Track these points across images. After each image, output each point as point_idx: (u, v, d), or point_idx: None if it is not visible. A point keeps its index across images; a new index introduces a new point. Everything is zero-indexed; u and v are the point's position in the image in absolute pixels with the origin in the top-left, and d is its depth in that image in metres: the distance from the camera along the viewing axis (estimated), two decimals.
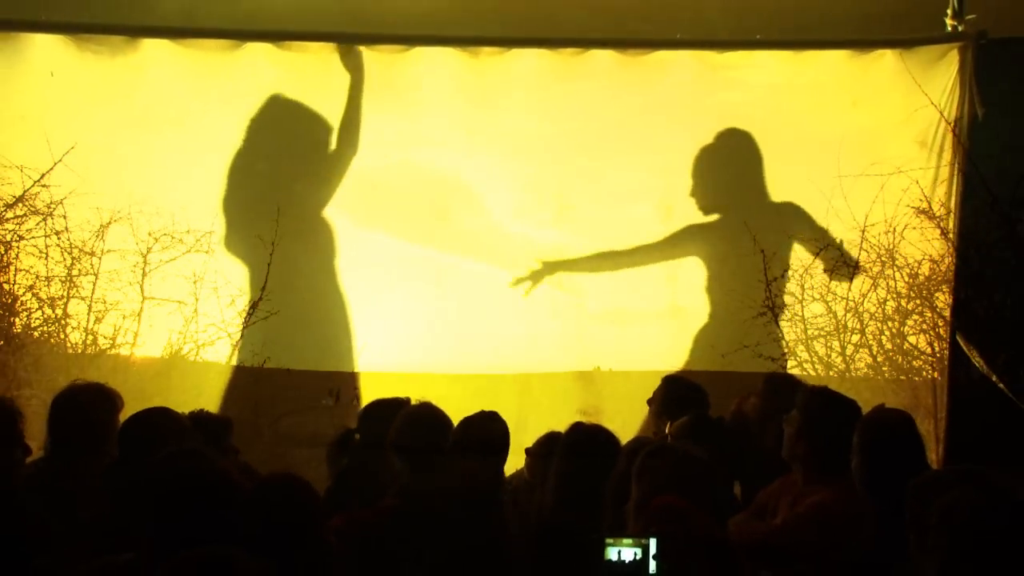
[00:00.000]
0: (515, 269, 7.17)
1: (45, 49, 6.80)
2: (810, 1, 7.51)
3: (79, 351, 7.58)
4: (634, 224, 7.20)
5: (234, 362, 7.50)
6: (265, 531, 3.75)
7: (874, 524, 4.45)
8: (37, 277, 7.54)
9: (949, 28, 6.58)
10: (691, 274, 7.46)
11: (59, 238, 7.49)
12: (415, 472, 4.92)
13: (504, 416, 5.15)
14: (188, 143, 7.04)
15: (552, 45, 6.93)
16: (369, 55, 6.91)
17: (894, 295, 7.32)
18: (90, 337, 7.63)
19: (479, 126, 6.97)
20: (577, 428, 5.13)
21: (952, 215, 6.73)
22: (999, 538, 3.46)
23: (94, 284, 7.57)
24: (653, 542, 3.77)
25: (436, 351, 7.21)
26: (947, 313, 7.27)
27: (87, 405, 5.09)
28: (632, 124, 7.00)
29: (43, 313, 7.66)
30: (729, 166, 7.22)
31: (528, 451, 5.48)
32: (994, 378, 6.82)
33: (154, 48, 6.85)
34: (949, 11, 6.55)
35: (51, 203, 7.30)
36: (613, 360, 7.35)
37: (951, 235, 6.75)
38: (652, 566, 3.74)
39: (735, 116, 6.99)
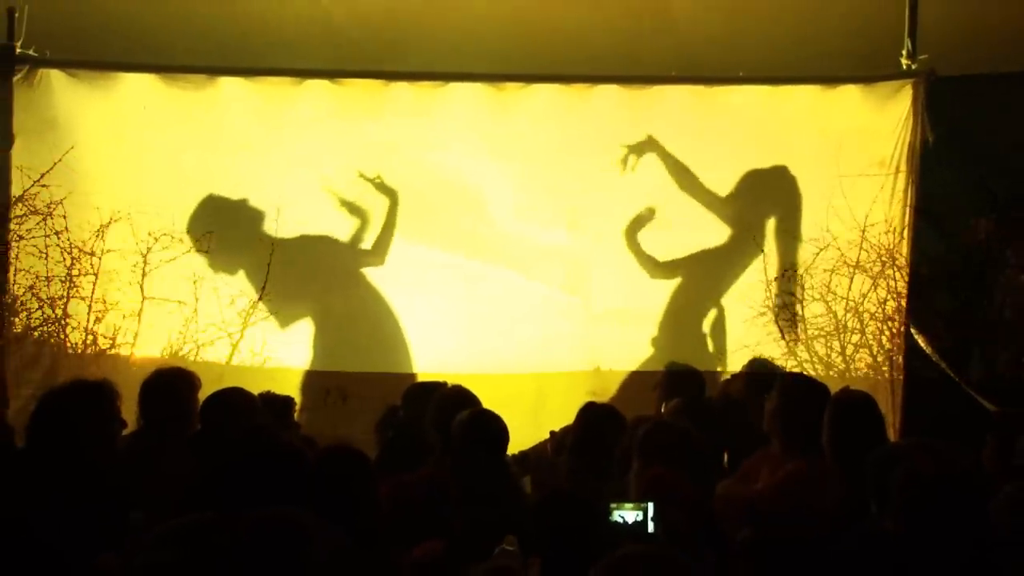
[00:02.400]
0: (530, 274, 6.97)
1: (138, 85, 6.80)
2: (786, 43, 7.50)
3: (79, 351, 6.87)
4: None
5: (234, 362, 6.92)
6: (326, 493, 3.77)
7: (840, 488, 4.46)
8: (37, 277, 6.88)
9: (904, 66, 6.56)
10: (691, 274, 7.09)
11: (59, 238, 6.80)
12: (447, 445, 4.93)
13: (521, 411, 5.13)
14: (255, 165, 6.94)
15: (566, 81, 6.93)
16: (411, 88, 6.91)
17: (894, 295, 6.81)
18: (90, 337, 6.89)
19: (503, 148, 6.95)
20: (589, 407, 5.14)
21: (907, 226, 6.64)
22: (949, 499, 3.47)
23: (94, 284, 6.86)
24: (651, 506, 3.78)
25: (457, 353, 6.88)
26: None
27: (172, 386, 5.13)
28: (642, 134, 6.93)
29: (43, 313, 6.93)
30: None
31: (552, 433, 5.47)
32: (943, 366, 6.71)
33: (230, 84, 6.87)
34: (904, 52, 6.51)
35: (51, 203, 6.74)
36: (616, 360, 6.95)
37: (906, 242, 6.65)
38: (651, 526, 3.75)
39: (722, 139, 6.93)
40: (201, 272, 6.95)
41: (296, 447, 4.18)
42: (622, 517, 3.80)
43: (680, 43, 7.67)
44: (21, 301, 6.97)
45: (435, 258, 6.96)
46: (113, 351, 6.91)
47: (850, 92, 6.73)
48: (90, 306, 6.90)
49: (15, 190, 6.68)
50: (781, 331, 6.95)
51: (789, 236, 6.94)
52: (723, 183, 6.97)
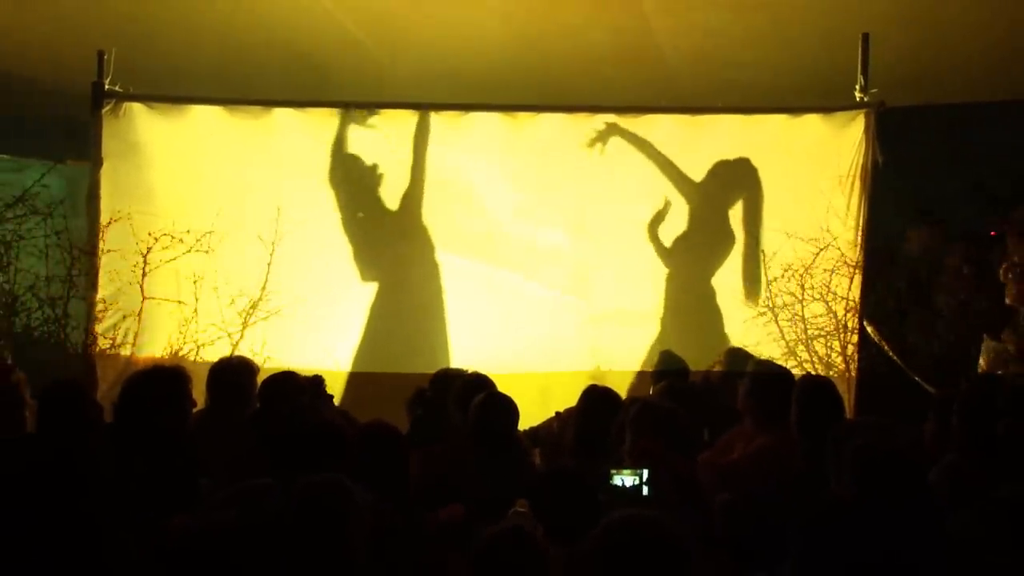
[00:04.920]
0: (536, 278, 6.78)
1: (206, 115, 6.81)
2: (759, 78, 7.52)
3: (79, 351, 6.17)
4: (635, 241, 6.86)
5: None
6: (365, 463, 3.79)
7: (803, 459, 4.46)
8: (37, 277, 6.32)
9: (858, 98, 6.52)
10: (691, 275, 6.73)
11: (59, 238, 6.25)
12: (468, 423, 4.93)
13: (529, 410, 5.07)
14: (303, 180, 6.83)
15: (570, 111, 6.91)
16: (438, 116, 6.91)
17: (894, 294, 6.48)
18: (90, 337, 6.14)
19: (516, 166, 6.88)
20: (592, 388, 5.13)
21: (859, 236, 6.47)
22: (895, 469, 3.47)
23: (94, 284, 6.20)
24: (646, 472, 3.77)
25: (468, 353, 6.43)
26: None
27: (235, 372, 5.15)
28: (631, 161, 6.85)
29: (43, 313, 6.32)
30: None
31: (558, 413, 5.47)
32: (894, 357, 6.53)
33: (283, 114, 6.87)
34: (858, 86, 6.44)
35: (51, 203, 6.21)
36: (618, 360, 6.56)
37: (859, 249, 6.54)
38: (645, 490, 3.75)
39: (705, 158, 6.84)
40: (201, 272, 6.37)
41: (336, 423, 4.21)
42: (621, 481, 3.79)
43: (668, 78, 7.73)
44: (21, 301, 6.37)
45: (452, 263, 6.84)
46: (113, 351, 6.21)
47: (812, 120, 6.70)
48: (90, 306, 6.27)
49: (103, 204, 6.47)
50: (781, 331, 6.39)
51: (784, 234, 6.43)
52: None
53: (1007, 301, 6.53)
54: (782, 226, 6.46)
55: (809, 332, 6.34)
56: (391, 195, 6.90)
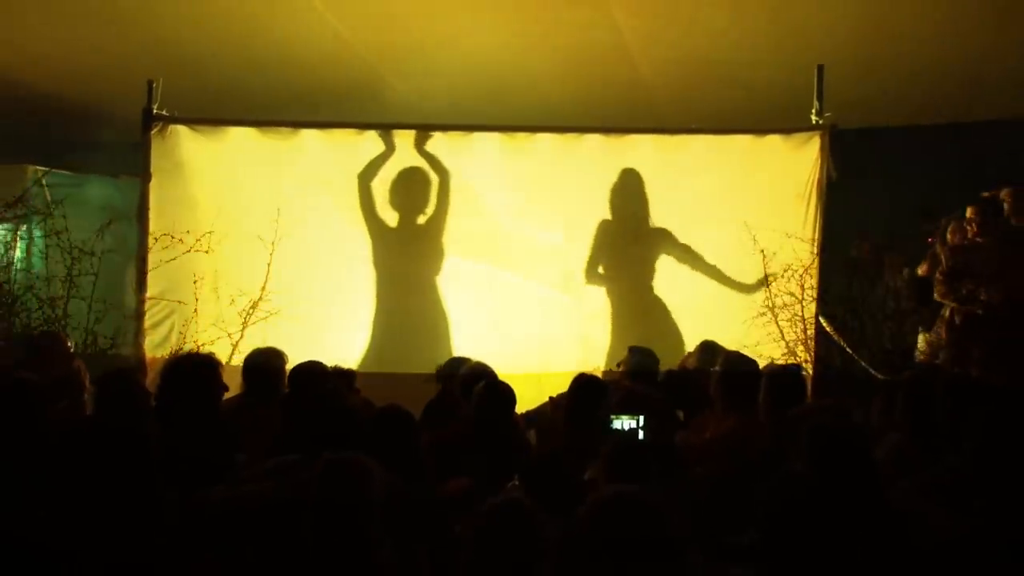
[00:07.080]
0: (535, 279, 6.70)
1: (242, 136, 6.81)
2: (729, 102, 7.54)
3: (79, 351, 5.58)
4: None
5: (234, 362, 5.47)
6: (381, 444, 3.79)
7: (767, 439, 4.46)
8: (37, 277, 5.89)
9: (814, 121, 6.51)
10: (691, 275, 6.49)
11: (59, 238, 5.81)
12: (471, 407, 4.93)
13: (528, 404, 5.06)
14: (326, 193, 6.79)
15: (562, 131, 6.90)
16: (445, 137, 6.87)
17: (893, 295, 6.12)
18: (90, 337, 5.82)
19: (515, 181, 6.87)
20: (581, 378, 5.13)
21: (816, 242, 6.37)
22: (844, 446, 3.47)
23: (94, 284, 5.85)
24: (643, 418, 3.75)
25: (471, 354, 5.89)
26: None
27: (266, 360, 5.13)
28: (616, 174, 6.84)
29: (43, 313, 5.84)
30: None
31: (551, 398, 5.46)
32: (848, 350, 6.42)
33: (309, 134, 6.86)
34: (814, 110, 6.45)
35: (51, 203, 5.75)
36: (611, 358, 6.26)
37: (815, 252, 6.38)
38: (641, 434, 3.73)
39: (682, 172, 6.79)
40: (201, 272, 5.91)
41: (355, 408, 4.21)
42: (621, 424, 3.77)
43: (647, 102, 7.77)
44: (21, 301, 5.85)
45: (453, 264, 6.77)
46: (113, 351, 5.79)
47: (774, 140, 6.70)
48: (90, 306, 5.83)
49: (152, 215, 6.29)
50: (781, 331, 5.92)
51: (782, 235, 6.10)
52: (682, 204, 6.79)
53: (935, 297, 6.54)
54: (780, 227, 6.16)
55: (809, 332, 5.89)
56: (413, 205, 6.83)
